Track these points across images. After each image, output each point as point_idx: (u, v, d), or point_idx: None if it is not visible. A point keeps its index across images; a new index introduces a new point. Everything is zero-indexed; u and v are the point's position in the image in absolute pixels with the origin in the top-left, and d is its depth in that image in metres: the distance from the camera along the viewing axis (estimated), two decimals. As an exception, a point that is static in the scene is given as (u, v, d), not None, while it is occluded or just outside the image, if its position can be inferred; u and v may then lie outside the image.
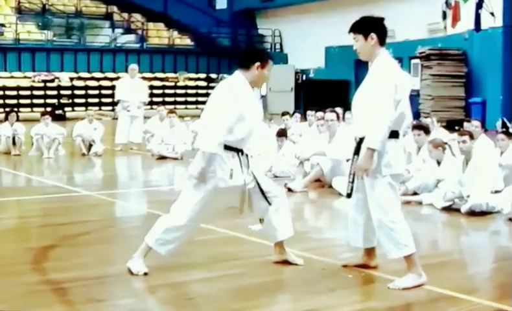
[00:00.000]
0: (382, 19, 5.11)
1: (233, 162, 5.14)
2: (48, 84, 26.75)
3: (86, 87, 27.58)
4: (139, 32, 31.03)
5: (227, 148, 5.13)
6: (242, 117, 5.09)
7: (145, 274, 5.18)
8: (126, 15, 31.46)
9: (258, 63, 5.21)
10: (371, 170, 4.91)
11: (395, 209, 5.02)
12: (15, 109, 16.36)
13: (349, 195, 5.18)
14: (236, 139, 5.13)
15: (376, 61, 5.03)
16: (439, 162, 8.60)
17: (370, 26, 5.03)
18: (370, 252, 5.41)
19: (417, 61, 22.53)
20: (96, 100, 27.13)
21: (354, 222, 5.35)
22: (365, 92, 5.06)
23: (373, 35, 5.00)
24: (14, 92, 25.88)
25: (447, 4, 22.74)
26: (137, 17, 31.54)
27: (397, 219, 4.99)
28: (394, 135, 4.94)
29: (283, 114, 13.49)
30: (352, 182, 5.07)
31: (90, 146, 14.03)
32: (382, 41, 5.04)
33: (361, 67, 25.22)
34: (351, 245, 5.48)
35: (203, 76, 30.43)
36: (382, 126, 4.82)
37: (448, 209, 8.05)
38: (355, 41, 5.08)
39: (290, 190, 9.35)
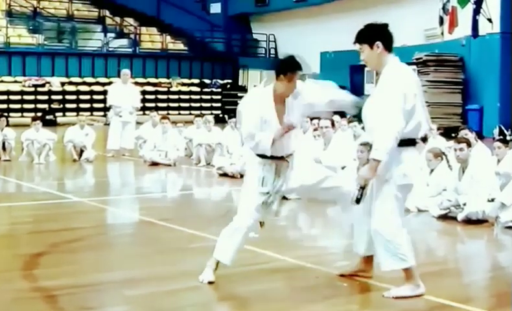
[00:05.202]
0: (386, 26, 5.01)
1: (266, 170, 5.21)
2: (39, 89, 26.61)
3: (77, 92, 27.45)
4: (132, 36, 30.96)
5: (262, 156, 5.21)
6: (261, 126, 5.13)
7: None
8: (118, 19, 31.39)
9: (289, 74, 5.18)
10: (381, 177, 4.83)
11: (396, 221, 4.92)
12: (5, 114, 16.24)
13: (357, 201, 5.00)
14: (262, 149, 5.18)
15: (384, 71, 4.92)
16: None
17: (374, 35, 4.93)
18: (368, 260, 5.34)
19: (414, 67, 22.49)
20: (87, 105, 27.01)
21: (359, 229, 5.27)
22: (374, 102, 4.95)
23: (379, 43, 4.90)
24: (4, 97, 25.70)
25: (444, 9, 22.72)
26: (129, 21, 31.48)
27: (397, 231, 4.91)
28: (410, 143, 4.86)
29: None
30: (363, 188, 4.93)
31: (81, 151, 13.95)
32: (388, 48, 4.95)
33: (356, 73, 25.42)
34: (354, 251, 5.41)
35: (196, 81, 30.40)
36: (388, 138, 4.70)
37: (445, 217, 8.02)
38: (361, 52, 4.98)
39: (284, 197, 9.24)
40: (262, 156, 5.20)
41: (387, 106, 4.74)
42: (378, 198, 4.92)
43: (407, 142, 4.83)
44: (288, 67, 5.14)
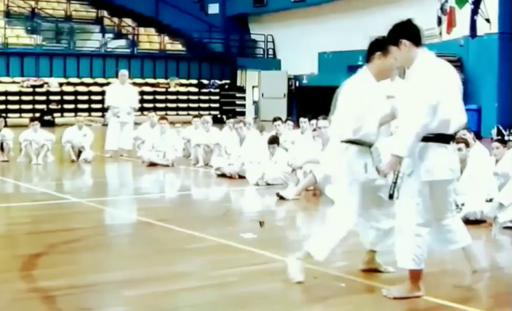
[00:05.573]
0: (409, 21, 4.95)
1: (366, 157, 5.14)
2: (37, 89, 26.62)
3: (75, 93, 27.46)
4: (130, 36, 30.96)
5: (358, 143, 5.16)
6: (363, 114, 5.12)
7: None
8: (116, 19, 31.37)
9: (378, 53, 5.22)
10: (405, 173, 4.79)
11: (419, 219, 4.81)
12: (4, 115, 16.24)
13: (391, 197, 4.92)
14: (365, 134, 5.14)
15: (412, 67, 4.83)
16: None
17: (398, 34, 4.88)
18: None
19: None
20: (85, 106, 27.02)
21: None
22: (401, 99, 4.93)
23: (404, 41, 4.83)
24: (2, 98, 25.72)
25: (442, 9, 22.71)
26: (127, 21, 31.47)
27: (417, 230, 4.81)
28: (438, 139, 4.75)
29: (275, 119, 13.41)
30: (395, 183, 4.85)
31: (79, 152, 13.94)
32: (416, 43, 4.86)
33: (354, 73, 25.39)
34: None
35: (194, 81, 30.41)
36: (409, 134, 4.64)
37: (442, 217, 7.98)
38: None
39: (282, 198, 9.29)
40: (361, 143, 5.16)
41: (410, 102, 4.67)
42: (402, 194, 4.83)
43: (434, 138, 4.72)
44: (382, 43, 5.19)
